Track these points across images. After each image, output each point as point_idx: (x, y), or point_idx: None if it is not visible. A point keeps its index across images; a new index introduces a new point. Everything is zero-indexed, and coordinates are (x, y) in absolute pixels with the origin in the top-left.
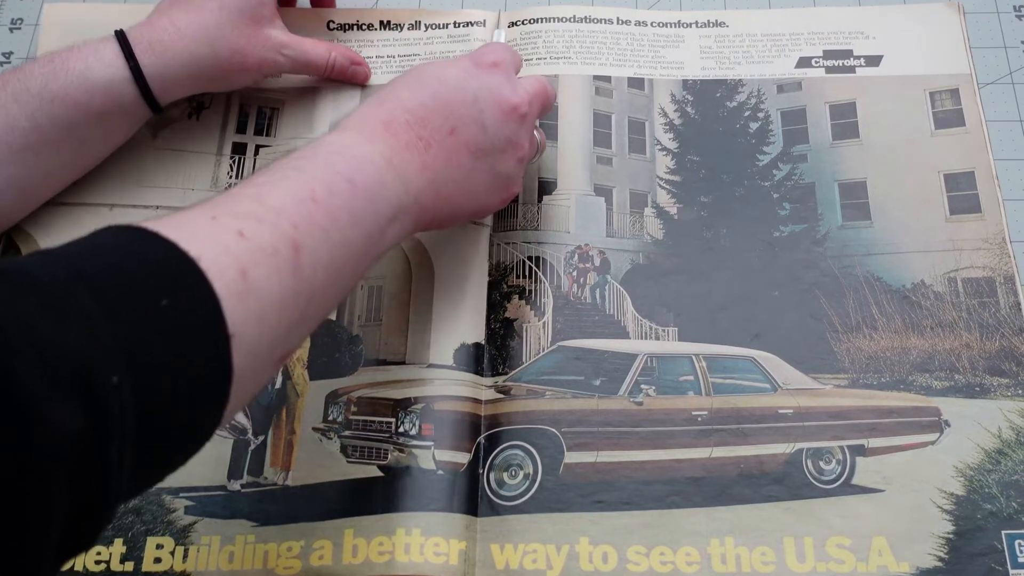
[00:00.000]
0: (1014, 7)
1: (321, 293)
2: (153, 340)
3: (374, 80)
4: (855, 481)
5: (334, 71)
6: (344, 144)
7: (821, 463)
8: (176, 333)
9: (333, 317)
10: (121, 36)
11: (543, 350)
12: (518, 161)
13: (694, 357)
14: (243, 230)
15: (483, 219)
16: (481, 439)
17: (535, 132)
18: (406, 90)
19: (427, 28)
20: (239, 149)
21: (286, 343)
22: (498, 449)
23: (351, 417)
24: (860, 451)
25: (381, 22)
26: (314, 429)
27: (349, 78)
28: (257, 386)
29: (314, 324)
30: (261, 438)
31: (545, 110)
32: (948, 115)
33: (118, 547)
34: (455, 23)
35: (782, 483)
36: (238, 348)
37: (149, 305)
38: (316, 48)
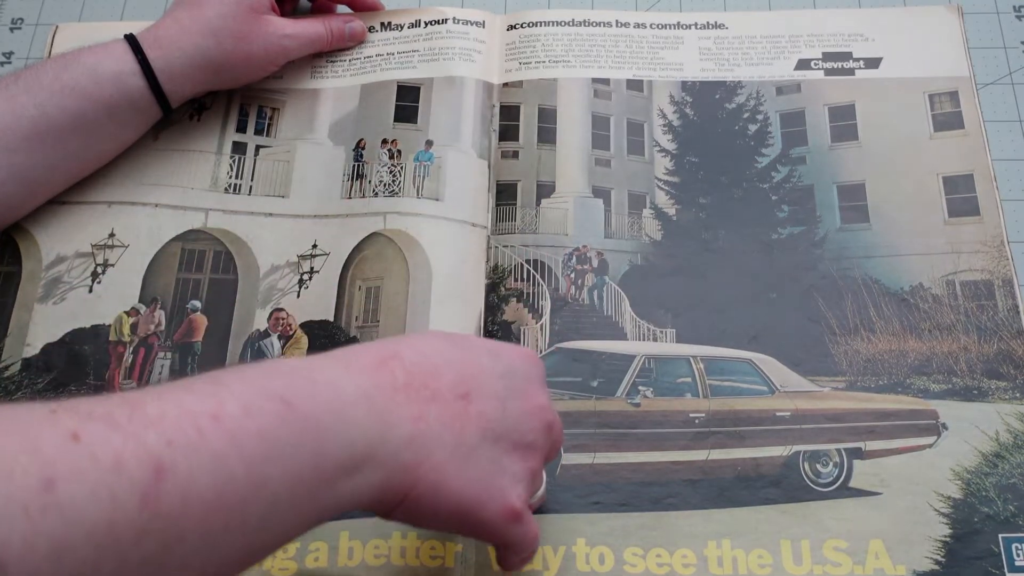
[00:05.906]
0: (1014, 7)
1: (202, 540)
2: None
3: (374, 78)
4: (852, 484)
5: (334, 40)
6: (305, 365)
7: (818, 466)
8: None
9: (331, 318)
10: (130, 36)
11: (541, 352)
12: (527, 469)
13: (692, 359)
14: (80, 432)
15: (468, 537)
16: None
17: (543, 471)
18: (421, 338)
19: (426, 25)
20: (239, 149)
21: None
22: None
23: None
24: (857, 454)
25: (382, 23)
26: None
27: (350, 38)
28: None
29: None
30: None
31: (552, 451)
32: (947, 118)
33: None
34: (454, 19)
35: (779, 485)
36: None
37: None
38: (315, 26)
